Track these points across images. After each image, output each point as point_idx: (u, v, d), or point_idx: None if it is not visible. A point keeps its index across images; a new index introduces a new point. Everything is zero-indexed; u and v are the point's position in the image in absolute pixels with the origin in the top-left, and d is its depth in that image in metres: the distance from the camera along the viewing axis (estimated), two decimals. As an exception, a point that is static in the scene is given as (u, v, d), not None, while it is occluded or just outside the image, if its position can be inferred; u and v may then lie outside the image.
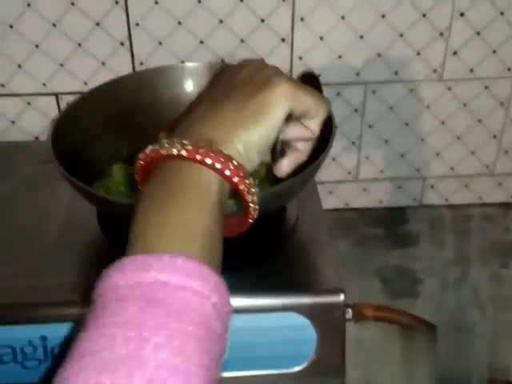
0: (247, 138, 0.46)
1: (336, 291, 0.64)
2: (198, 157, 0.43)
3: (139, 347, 0.34)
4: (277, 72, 0.50)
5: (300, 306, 0.63)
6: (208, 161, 0.43)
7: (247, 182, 0.45)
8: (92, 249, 0.74)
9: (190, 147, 0.43)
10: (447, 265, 0.97)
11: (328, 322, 0.64)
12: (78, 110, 0.76)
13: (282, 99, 0.47)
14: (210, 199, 0.43)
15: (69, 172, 0.65)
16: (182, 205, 0.42)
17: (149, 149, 0.45)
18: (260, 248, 0.71)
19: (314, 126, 0.52)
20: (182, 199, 0.42)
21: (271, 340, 0.64)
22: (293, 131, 0.53)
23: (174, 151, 0.43)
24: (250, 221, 0.48)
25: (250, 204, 0.46)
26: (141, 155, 0.46)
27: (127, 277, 0.37)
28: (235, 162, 0.44)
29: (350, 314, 0.66)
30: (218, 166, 0.43)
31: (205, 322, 0.37)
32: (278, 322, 0.63)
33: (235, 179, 0.44)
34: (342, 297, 0.64)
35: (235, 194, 0.46)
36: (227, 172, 0.43)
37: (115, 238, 0.73)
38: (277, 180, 0.60)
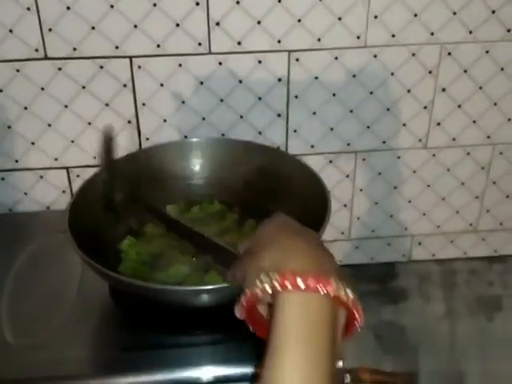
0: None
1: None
2: (332, 292, 0.46)
3: None
4: None
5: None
6: (343, 299, 0.47)
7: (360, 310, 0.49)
8: (104, 319, 0.79)
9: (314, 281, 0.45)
10: (435, 319, 1.03)
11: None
12: (90, 190, 0.82)
13: None
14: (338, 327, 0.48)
15: (82, 246, 0.71)
16: (329, 342, 0.45)
17: (256, 288, 0.47)
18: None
19: None
20: (328, 337, 0.45)
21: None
22: None
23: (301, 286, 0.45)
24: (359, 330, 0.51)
25: (358, 319, 0.49)
26: (253, 289, 0.48)
27: None
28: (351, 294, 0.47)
29: (348, 379, 0.71)
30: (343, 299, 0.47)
31: None
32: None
33: (357, 316, 0.48)
34: (340, 363, 0.69)
35: None
36: (350, 303, 0.47)
37: (126, 306, 0.79)
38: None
